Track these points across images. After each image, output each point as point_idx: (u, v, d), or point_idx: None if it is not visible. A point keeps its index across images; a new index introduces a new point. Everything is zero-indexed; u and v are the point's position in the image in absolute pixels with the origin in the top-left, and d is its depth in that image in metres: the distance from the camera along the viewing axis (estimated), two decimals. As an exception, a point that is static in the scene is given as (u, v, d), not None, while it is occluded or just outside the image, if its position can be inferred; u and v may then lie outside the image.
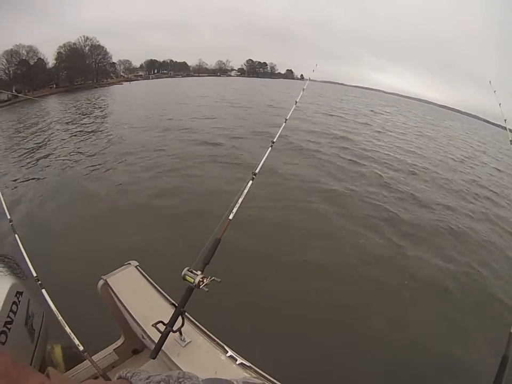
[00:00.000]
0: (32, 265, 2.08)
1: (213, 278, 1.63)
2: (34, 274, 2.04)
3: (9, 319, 1.88)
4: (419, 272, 5.31)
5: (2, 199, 2.60)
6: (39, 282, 1.98)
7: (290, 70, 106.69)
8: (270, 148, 2.49)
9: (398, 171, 11.18)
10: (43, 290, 1.95)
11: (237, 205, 1.88)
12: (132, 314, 2.03)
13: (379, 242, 6.05)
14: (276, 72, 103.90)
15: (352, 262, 5.35)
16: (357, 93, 69.18)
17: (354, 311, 4.29)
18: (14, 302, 1.97)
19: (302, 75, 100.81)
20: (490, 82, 4.47)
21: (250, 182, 2.10)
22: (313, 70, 4.88)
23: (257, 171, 2.21)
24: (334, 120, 21.02)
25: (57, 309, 1.85)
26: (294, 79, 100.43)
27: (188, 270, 1.65)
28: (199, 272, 1.64)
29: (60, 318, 1.80)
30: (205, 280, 1.60)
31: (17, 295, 2.02)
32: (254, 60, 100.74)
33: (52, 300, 1.90)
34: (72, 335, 1.76)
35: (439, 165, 13.44)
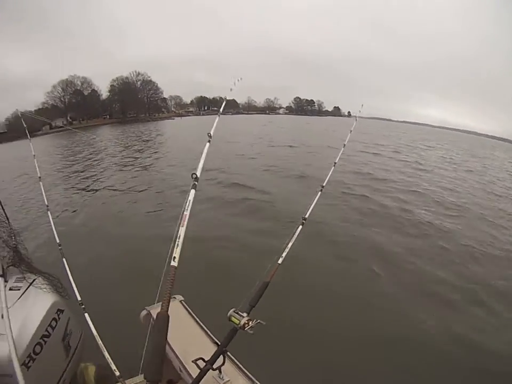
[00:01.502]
0: (78, 290, 2.18)
1: (259, 321, 1.61)
2: (79, 298, 2.15)
3: (46, 333, 2.02)
4: None
5: (52, 224, 2.77)
6: (83, 306, 2.08)
7: (337, 107, 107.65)
8: (320, 192, 2.50)
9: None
10: (86, 314, 2.05)
11: (287, 250, 1.89)
12: (172, 347, 2.05)
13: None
14: (323, 109, 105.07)
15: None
16: (403, 129, 67.48)
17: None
18: (54, 318, 2.10)
19: (349, 112, 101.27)
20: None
21: (300, 227, 2.10)
22: (360, 111, 4.89)
23: (307, 216, 2.21)
24: (378, 159, 20.57)
25: (98, 333, 1.92)
26: (341, 116, 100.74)
27: (234, 312, 1.65)
28: (245, 314, 1.63)
29: (100, 342, 1.87)
30: (250, 323, 1.59)
31: (58, 312, 2.15)
32: (302, 98, 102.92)
33: (93, 324, 1.99)
34: (110, 360, 1.81)
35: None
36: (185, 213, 1.44)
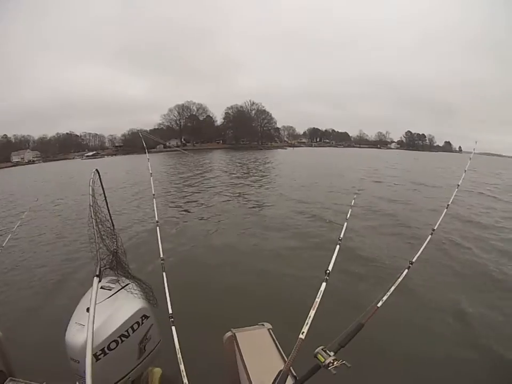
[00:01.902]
0: (171, 304, 2.29)
1: (344, 362, 1.51)
2: (170, 312, 2.22)
3: (126, 334, 2.13)
4: None
5: (159, 238, 2.91)
6: (172, 319, 2.17)
7: (449, 142, 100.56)
8: (430, 236, 2.28)
9: None
10: (173, 328, 2.13)
11: (389, 293, 1.75)
12: (249, 373, 2.03)
13: None
14: (434, 144, 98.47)
15: None
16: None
17: None
18: (137, 322, 2.23)
19: (460, 147, 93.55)
20: None
21: (406, 270, 1.96)
22: (474, 149, 4.41)
23: (414, 260, 2.06)
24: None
25: (180, 348, 1.98)
26: (452, 151, 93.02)
27: (322, 349, 1.58)
28: (332, 353, 1.54)
29: (179, 356, 1.92)
30: (335, 363, 1.49)
31: (143, 318, 2.27)
32: (413, 132, 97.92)
33: (178, 339, 2.06)
34: (184, 373, 1.85)
35: None
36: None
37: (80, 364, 1.98)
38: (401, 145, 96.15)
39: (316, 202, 14.26)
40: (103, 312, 2.05)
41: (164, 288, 2.41)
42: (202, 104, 78.95)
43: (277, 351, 2.23)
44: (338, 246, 2.09)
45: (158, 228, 3.11)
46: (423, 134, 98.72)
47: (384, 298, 1.72)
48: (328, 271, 1.83)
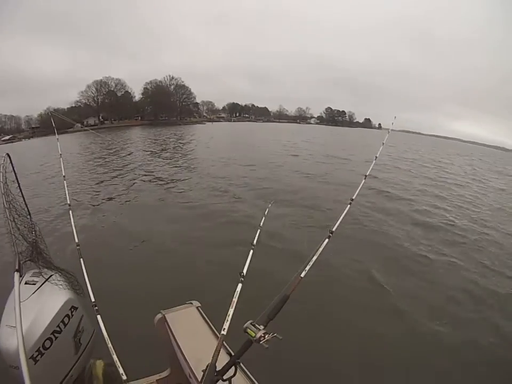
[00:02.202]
0: (92, 291, 2.18)
1: (275, 334, 1.54)
2: (93, 300, 2.14)
3: (58, 329, 2.01)
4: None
5: (72, 223, 2.77)
6: (96, 307, 2.08)
7: (368, 119, 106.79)
8: (349, 205, 2.40)
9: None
10: (98, 316, 2.04)
11: (311, 263, 1.80)
12: (184, 353, 2.03)
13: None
14: (354, 121, 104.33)
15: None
16: (431, 142, 65.12)
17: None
18: (67, 315, 2.10)
19: (380, 124, 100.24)
20: None
21: (326, 240, 2.01)
22: (392, 123, 4.80)
23: (334, 229, 2.12)
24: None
25: (109, 336, 1.90)
26: (372, 128, 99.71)
27: (251, 324, 1.59)
28: (261, 327, 1.57)
29: (110, 345, 1.85)
30: (266, 336, 1.52)
31: (72, 309, 2.15)
32: (333, 108, 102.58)
33: (105, 327, 1.98)
34: (118, 363, 1.79)
35: None
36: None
37: (20, 369, 1.80)
38: (321, 120, 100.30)
39: (236, 177, 14.63)
40: (31, 309, 1.91)
41: (83, 275, 2.31)
42: (121, 80, 73.72)
43: (207, 327, 2.25)
44: (251, 251, 2.11)
45: (70, 211, 2.95)
46: (343, 111, 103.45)
47: (307, 268, 1.77)
48: (242, 273, 1.87)
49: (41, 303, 2.02)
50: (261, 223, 2.46)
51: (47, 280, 2.20)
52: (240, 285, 1.80)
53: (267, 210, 2.63)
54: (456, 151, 47.69)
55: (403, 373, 4.05)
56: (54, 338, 1.97)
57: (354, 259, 6.97)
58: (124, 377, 1.81)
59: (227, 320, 1.60)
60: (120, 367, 1.78)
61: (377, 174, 16.84)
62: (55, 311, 2.04)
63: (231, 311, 1.62)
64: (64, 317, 2.08)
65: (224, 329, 1.59)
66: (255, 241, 2.31)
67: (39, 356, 1.87)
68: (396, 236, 8.70)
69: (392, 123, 4.88)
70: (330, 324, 4.78)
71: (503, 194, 17.75)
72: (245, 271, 1.92)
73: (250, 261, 2.00)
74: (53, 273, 2.28)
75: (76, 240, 2.61)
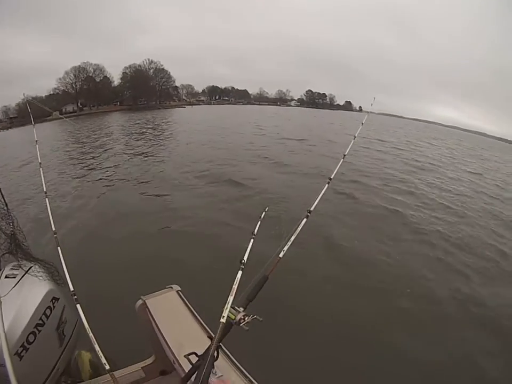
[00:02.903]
0: (71, 280, 2.13)
1: (255, 316, 1.54)
2: (72, 289, 2.09)
3: (41, 322, 1.98)
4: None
5: (49, 210, 2.70)
6: (75, 297, 2.03)
7: (349, 101, 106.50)
8: (327, 185, 2.39)
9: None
10: (78, 306, 2.00)
11: (289, 243, 1.79)
12: (166, 339, 2.02)
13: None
14: (335, 103, 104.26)
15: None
16: (413, 126, 66.32)
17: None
18: (49, 307, 2.07)
19: (360, 107, 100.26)
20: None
21: (305, 219, 2.00)
22: (372, 104, 4.81)
23: (312, 209, 2.11)
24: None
25: (89, 326, 1.86)
26: (352, 110, 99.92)
27: (231, 306, 1.58)
28: (241, 309, 1.57)
29: (91, 335, 1.82)
30: (246, 318, 1.52)
31: (53, 301, 2.12)
32: (314, 91, 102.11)
33: (85, 316, 1.93)
34: (100, 353, 1.76)
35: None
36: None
37: (4, 367, 1.76)
38: (302, 103, 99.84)
39: (216, 159, 14.61)
40: (13, 304, 1.88)
41: (61, 264, 2.23)
42: (99, 65, 71.05)
43: (188, 311, 2.24)
44: (252, 240, 2.06)
45: (47, 199, 2.89)
46: (323, 93, 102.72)
47: (285, 248, 1.76)
48: (243, 261, 1.82)
49: (22, 297, 1.98)
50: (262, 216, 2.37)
51: (26, 272, 2.16)
52: (240, 272, 1.76)
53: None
54: (436, 135, 48.41)
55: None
56: (37, 332, 1.93)
57: (333, 237, 7.15)
58: (107, 367, 1.78)
59: (226, 308, 1.56)
60: (103, 357, 1.75)
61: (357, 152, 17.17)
62: (37, 303, 2.00)
63: (230, 299, 1.59)
64: (46, 309, 2.05)
65: (223, 316, 1.55)
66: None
67: (24, 351, 1.84)
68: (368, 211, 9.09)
69: (372, 104, 4.88)
70: (309, 303, 4.85)
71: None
72: (245, 258, 1.87)
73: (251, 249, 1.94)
74: (32, 265, 2.25)
75: (53, 228, 2.55)
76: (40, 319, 1.99)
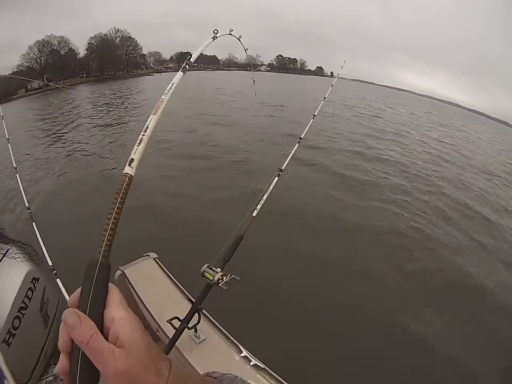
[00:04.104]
0: (48, 254, 2.07)
1: (233, 276, 1.58)
2: (50, 264, 2.05)
3: (23, 305, 1.91)
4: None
5: (21, 186, 2.62)
6: (54, 271, 1.98)
7: (320, 67, 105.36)
8: (297, 144, 2.39)
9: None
10: (58, 280, 1.95)
11: (262, 202, 1.80)
12: (147, 307, 2.01)
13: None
14: (306, 68, 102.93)
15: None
16: (384, 93, 66.80)
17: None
18: (30, 288, 2.00)
19: (332, 72, 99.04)
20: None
21: (276, 178, 2.01)
22: (342, 67, 4.78)
23: (283, 167, 2.11)
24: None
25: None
26: (324, 76, 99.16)
27: (208, 267, 1.60)
28: (218, 270, 1.59)
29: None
30: (224, 278, 1.55)
31: (33, 281, 2.05)
32: (284, 56, 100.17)
33: (66, 290, 1.90)
34: None
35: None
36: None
37: None
38: (272, 68, 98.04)
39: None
40: None
41: (38, 239, 2.23)
42: (64, 37, 65.96)
43: (167, 278, 2.24)
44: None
45: (17, 175, 2.82)
46: (294, 58, 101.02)
47: (258, 207, 1.78)
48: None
49: (1, 281, 1.90)
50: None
51: (4, 255, 2.05)
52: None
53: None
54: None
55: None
56: (21, 316, 1.87)
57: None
58: None
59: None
60: None
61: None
62: (18, 286, 1.92)
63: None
64: (28, 291, 1.97)
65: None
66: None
67: (11, 337, 1.78)
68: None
69: (342, 66, 4.82)
70: (286, 258, 4.98)
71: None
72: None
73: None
74: (9, 247, 2.13)
75: (26, 204, 2.49)
76: (23, 302, 1.92)
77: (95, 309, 0.49)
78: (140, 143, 0.64)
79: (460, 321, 4.18)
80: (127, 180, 0.59)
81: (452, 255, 5.79)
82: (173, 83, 0.84)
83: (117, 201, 0.57)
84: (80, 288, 0.49)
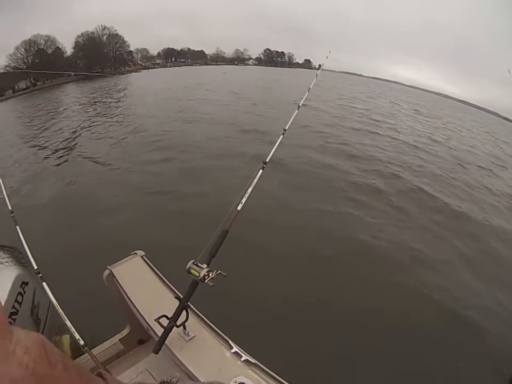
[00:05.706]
0: (33, 258, 2.03)
1: (219, 271, 1.55)
2: (35, 267, 2.01)
3: (14, 310, 1.89)
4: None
5: (3, 189, 2.57)
6: (40, 275, 1.94)
7: (308, 60, 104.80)
8: (282, 135, 2.36)
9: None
10: (44, 284, 1.91)
11: (246, 195, 1.77)
12: (137, 306, 1.98)
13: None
14: (294, 61, 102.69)
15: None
16: (372, 85, 66.91)
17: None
18: (20, 293, 1.97)
19: (320, 65, 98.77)
20: (509, 71, 4.18)
21: (261, 171, 1.98)
22: (327, 57, 4.75)
23: (268, 160, 2.08)
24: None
25: (59, 303, 1.80)
26: (311, 68, 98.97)
27: (193, 263, 1.58)
28: (204, 266, 1.57)
29: (61, 311, 1.75)
30: (210, 274, 1.53)
31: (23, 286, 2.02)
32: (272, 49, 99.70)
33: (52, 293, 1.86)
34: (73, 329, 1.71)
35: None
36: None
37: None
38: (260, 61, 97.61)
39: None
40: None
41: (22, 243, 2.18)
42: (50, 36, 64.84)
43: (154, 275, 2.21)
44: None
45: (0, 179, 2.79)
46: (282, 52, 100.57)
47: (243, 200, 1.75)
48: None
49: None
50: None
51: None
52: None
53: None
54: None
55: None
56: (13, 322, 1.83)
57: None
58: (81, 343, 1.73)
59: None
60: (75, 332, 1.70)
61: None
62: (7, 291, 1.89)
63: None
64: (18, 295, 1.94)
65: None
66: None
67: None
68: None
69: (327, 57, 4.80)
70: (273, 251, 5.01)
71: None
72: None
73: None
74: None
75: (9, 208, 2.44)
76: (13, 307, 1.90)
77: None
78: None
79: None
80: None
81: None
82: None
83: None
84: None
